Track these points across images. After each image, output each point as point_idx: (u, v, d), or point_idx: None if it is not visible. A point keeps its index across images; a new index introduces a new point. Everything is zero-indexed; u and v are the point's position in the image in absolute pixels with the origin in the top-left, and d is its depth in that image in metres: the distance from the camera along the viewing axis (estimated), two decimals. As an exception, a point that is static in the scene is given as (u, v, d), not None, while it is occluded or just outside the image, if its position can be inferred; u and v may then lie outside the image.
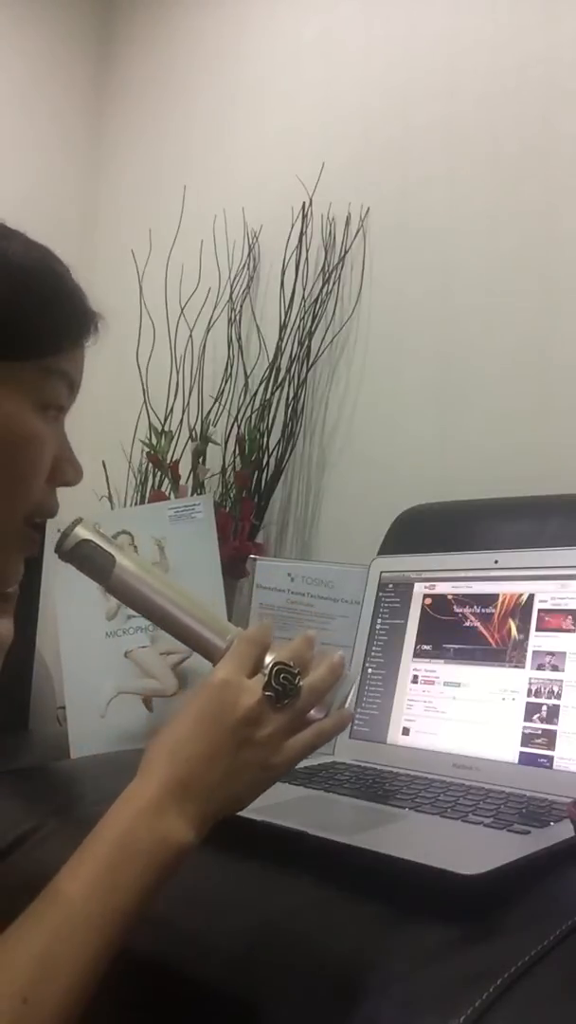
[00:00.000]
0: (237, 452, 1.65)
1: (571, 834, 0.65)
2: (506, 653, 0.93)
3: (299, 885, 0.68)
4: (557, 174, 1.45)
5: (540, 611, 0.92)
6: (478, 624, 0.97)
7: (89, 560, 0.61)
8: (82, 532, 0.61)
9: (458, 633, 0.98)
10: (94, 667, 1.15)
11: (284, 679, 0.57)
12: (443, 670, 0.97)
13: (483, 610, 0.97)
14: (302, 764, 0.95)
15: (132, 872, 0.52)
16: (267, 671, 0.57)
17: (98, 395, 2.06)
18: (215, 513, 1.23)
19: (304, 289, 1.70)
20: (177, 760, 0.55)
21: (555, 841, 0.69)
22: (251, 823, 0.73)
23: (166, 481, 1.63)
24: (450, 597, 1.00)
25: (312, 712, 0.59)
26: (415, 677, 0.99)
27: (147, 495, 1.66)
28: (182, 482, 1.63)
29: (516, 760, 0.87)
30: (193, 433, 1.70)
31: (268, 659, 0.58)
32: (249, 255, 1.83)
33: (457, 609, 0.99)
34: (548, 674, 0.89)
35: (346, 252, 1.69)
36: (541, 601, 0.93)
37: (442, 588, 1.01)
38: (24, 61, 2.17)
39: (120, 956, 0.52)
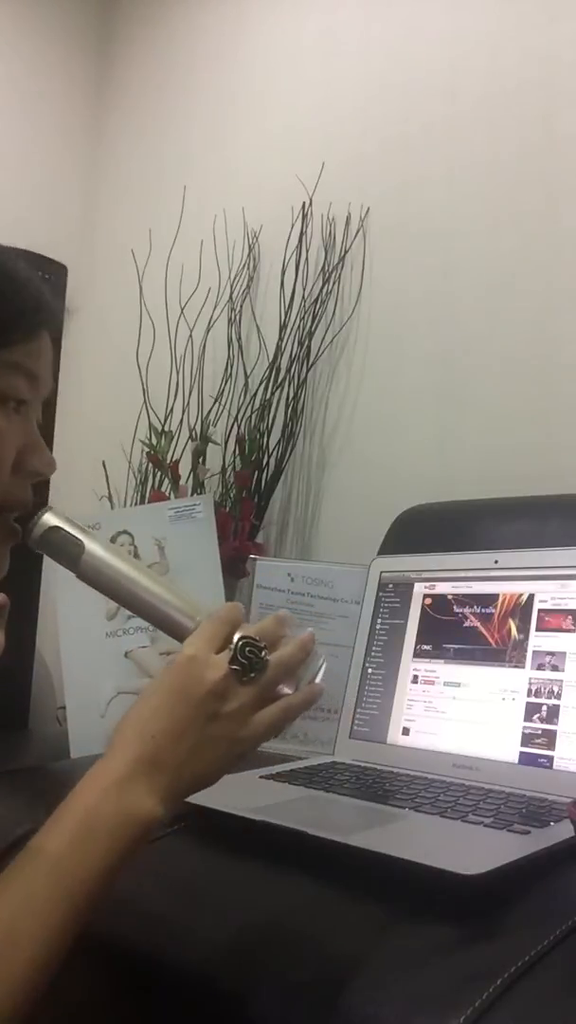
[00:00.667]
0: (237, 452, 1.65)
1: (571, 834, 0.65)
2: (506, 653, 0.93)
3: (299, 885, 0.68)
4: (557, 174, 1.45)
5: (540, 611, 0.93)
6: (478, 624, 0.97)
7: (58, 547, 0.62)
8: (50, 519, 0.62)
9: (458, 633, 0.98)
10: (94, 667, 1.15)
11: (250, 652, 0.58)
12: (443, 670, 0.97)
13: (483, 610, 0.97)
14: (303, 764, 0.96)
15: (98, 846, 0.52)
16: (233, 646, 0.58)
17: (98, 395, 2.07)
18: (215, 513, 1.23)
19: (304, 289, 1.70)
20: (145, 736, 0.56)
21: (555, 841, 0.69)
22: (251, 823, 0.73)
23: (166, 481, 1.63)
24: (450, 597, 1.00)
25: (281, 688, 0.59)
26: (415, 677, 0.99)
27: (147, 495, 1.66)
28: (182, 482, 1.63)
29: (516, 760, 0.88)
30: (193, 433, 1.70)
31: (236, 636, 0.59)
32: (249, 255, 1.83)
33: (457, 609, 0.99)
34: (548, 674, 0.89)
35: (346, 252, 1.69)
36: (541, 601, 0.93)
37: (442, 588, 1.01)
38: (24, 61, 2.17)
39: (120, 956, 0.52)
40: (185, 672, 0.57)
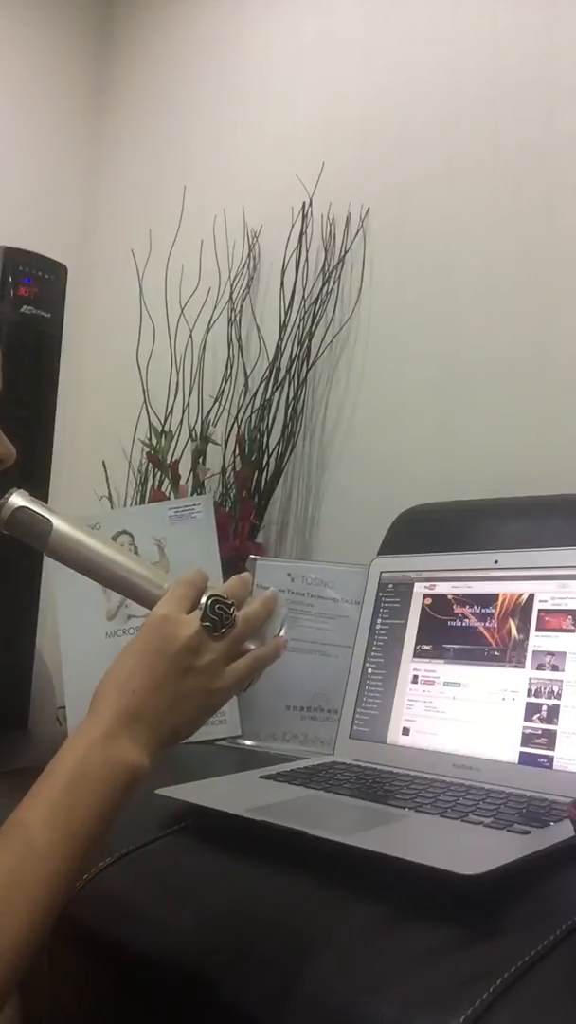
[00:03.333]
0: (237, 452, 1.65)
1: (571, 834, 0.65)
2: (506, 653, 0.93)
3: (298, 885, 0.68)
4: (557, 174, 1.45)
5: (540, 611, 0.92)
6: (478, 624, 0.97)
7: (27, 527, 0.64)
8: (17, 500, 0.64)
9: (458, 633, 0.98)
10: (94, 667, 1.14)
11: (220, 609, 0.62)
12: (443, 670, 0.97)
13: (483, 610, 0.97)
14: (303, 764, 0.96)
15: (88, 796, 0.55)
16: (204, 604, 0.62)
17: (98, 395, 2.07)
18: (215, 513, 1.23)
19: (304, 289, 1.70)
20: (124, 692, 0.59)
21: (555, 841, 0.69)
22: (251, 823, 0.73)
23: (166, 481, 1.63)
24: (450, 597, 1.00)
25: (248, 643, 0.63)
26: (415, 677, 0.99)
27: (147, 495, 1.66)
28: (182, 482, 1.63)
29: (516, 760, 0.88)
30: (193, 433, 1.70)
31: (204, 597, 0.62)
32: (249, 255, 1.83)
33: (457, 609, 0.99)
34: (548, 674, 0.89)
35: (346, 252, 1.69)
36: (541, 601, 0.93)
37: (442, 588, 1.01)
38: (24, 61, 2.17)
39: (119, 956, 0.52)
40: (160, 631, 0.61)
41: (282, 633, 0.65)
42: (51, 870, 0.53)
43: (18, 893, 0.52)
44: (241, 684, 0.63)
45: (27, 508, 0.64)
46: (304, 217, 1.73)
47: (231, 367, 1.76)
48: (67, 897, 0.54)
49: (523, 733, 0.88)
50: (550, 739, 0.86)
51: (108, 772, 0.56)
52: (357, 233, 1.69)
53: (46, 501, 0.73)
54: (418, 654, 1.00)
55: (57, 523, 0.64)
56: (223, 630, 0.61)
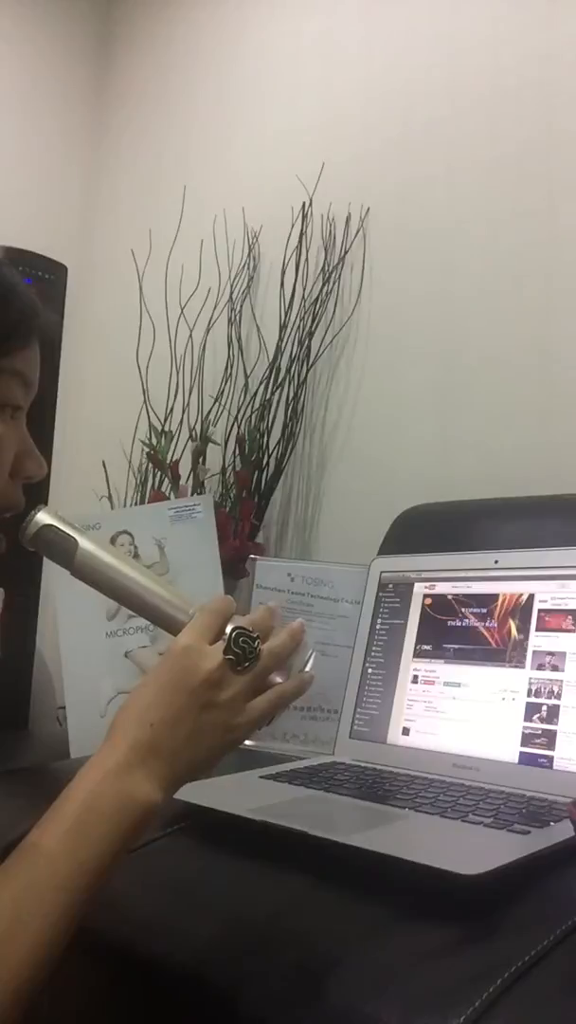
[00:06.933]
0: (237, 452, 1.65)
1: (571, 834, 0.65)
2: (506, 653, 0.93)
3: (298, 885, 0.68)
4: (557, 174, 1.45)
5: (540, 611, 0.92)
6: (478, 624, 0.97)
7: (52, 545, 0.63)
8: (44, 518, 0.63)
9: (458, 633, 0.98)
10: (94, 667, 1.15)
11: (244, 643, 0.59)
12: (443, 670, 0.97)
13: (483, 610, 0.97)
14: (303, 764, 0.96)
15: (99, 830, 0.54)
16: (227, 636, 0.59)
17: (98, 395, 2.07)
18: (215, 513, 1.23)
19: (304, 289, 1.70)
20: (143, 725, 0.57)
21: (555, 841, 0.69)
22: (251, 823, 0.73)
23: (166, 481, 1.63)
24: (450, 597, 1.00)
25: (274, 676, 0.61)
26: (415, 677, 0.99)
27: (147, 495, 1.66)
28: (182, 482, 1.63)
29: (516, 760, 0.87)
30: (193, 433, 1.70)
31: (228, 627, 0.60)
32: (249, 255, 1.83)
33: (457, 609, 0.99)
34: (548, 674, 0.89)
35: (346, 252, 1.69)
36: (541, 601, 0.93)
37: (442, 588, 1.01)
38: (24, 61, 2.17)
39: (119, 956, 0.52)
40: (181, 662, 0.59)
41: (308, 667, 0.63)
42: (56, 911, 0.51)
43: (24, 924, 0.51)
44: (263, 721, 0.60)
45: (54, 526, 0.63)
46: (304, 217, 1.73)
47: (231, 367, 1.76)
48: (74, 929, 0.52)
49: (523, 733, 0.88)
50: (550, 739, 0.86)
51: (120, 807, 0.55)
52: (357, 233, 1.69)
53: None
54: (418, 654, 1.00)
55: (83, 543, 0.63)
56: (247, 664, 0.59)
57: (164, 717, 0.57)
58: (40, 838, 0.54)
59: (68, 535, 0.63)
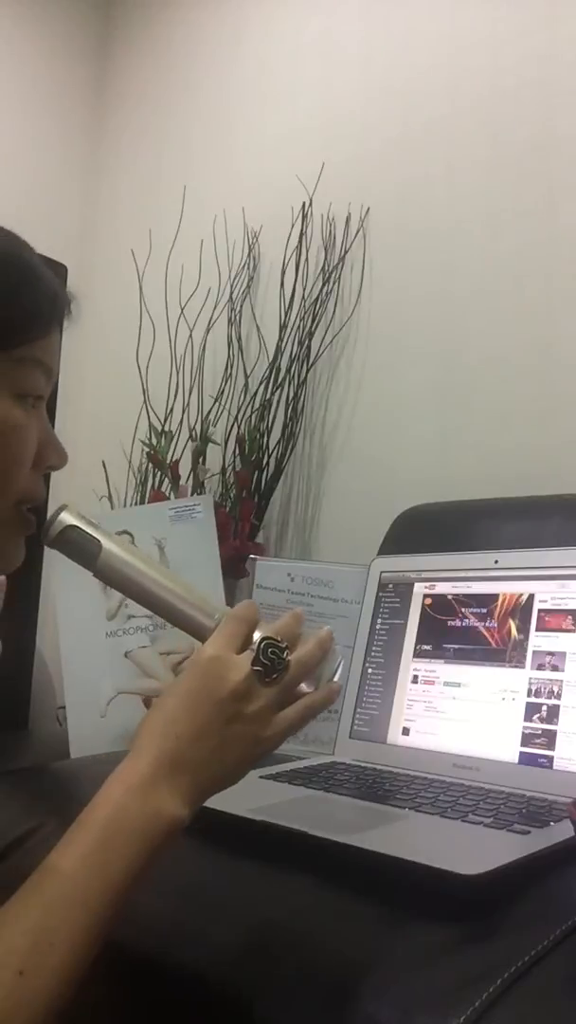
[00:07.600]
0: (237, 452, 1.65)
1: (571, 834, 0.65)
2: (506, 653, 0.93)
3: (299, 885, 0.68)
4: (557, 174, 1.45)
5: (540, 611, 0.92)
6: (478, 624, 0.97)
7: (75, 546, 0.61)
8: (67, 518, 0.61)
9: (458, 633, 0.98)
10: (94, 667, 1.15)
11: (272, 653, 0.57)
12: (443, 670, 0.97)
13: (483, 610, 0.97)
14: (303, 764, 0.96)
15: (124, 847, 0.52)
16: (255, 646, 0.57)
17: (98, 395, 2.07)
18: (215, 513, 1.23)
19: (304, 289, 1.70)
20: (167, 737, 0.55)
21: (555, 841, 0.69)
22: (251, 823, 0.73)
23: (166, 481, 1.63)
24: (450, 597, 1.00)
25: (302, 686, 0.59)
26: (415, 677, 0.99)
27: (147, 495, 1.66)
28: (182, 482, 1.63)
29: (516, 760, 0.87)
30: (193, 433, 1.70)
31: (256, 635, 0.59)
32: (249, 255, 1.83)
33: (457, 609, 0.99)
34: (548, 674, 0.89)
35: (346, 252, 1.69)
36: (541, 601, 0.93)
37: (442, 588, 1.01)
38: (24, 61, 2.17)
39: (120, 956, 0.52)
40: (207, 673, 0.57)
41: (337, 676, 0.61)
42: (80, 930, 0.50)
43: (53, 947, 0.49)
44: (291, 732, 0.58)
45: (78, 527, 0.61)
46: (304, 217, 1.73)
47: (231, 367, 1.76)
48: (95, 954, 0.51)
49: (523, 733, 0.88)
50: (550, 739, 0.86)
51: (145, 823, 0.53)
52: (357, 233, 1.69)
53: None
54: (418, 654, 1.00)
55: (107, 544, 0.61)
56: (275, 676, 0.57)
57: (190, 730, 0.55)
58: (62, 858, 0.52)
59: (92, 536, 0.61)
